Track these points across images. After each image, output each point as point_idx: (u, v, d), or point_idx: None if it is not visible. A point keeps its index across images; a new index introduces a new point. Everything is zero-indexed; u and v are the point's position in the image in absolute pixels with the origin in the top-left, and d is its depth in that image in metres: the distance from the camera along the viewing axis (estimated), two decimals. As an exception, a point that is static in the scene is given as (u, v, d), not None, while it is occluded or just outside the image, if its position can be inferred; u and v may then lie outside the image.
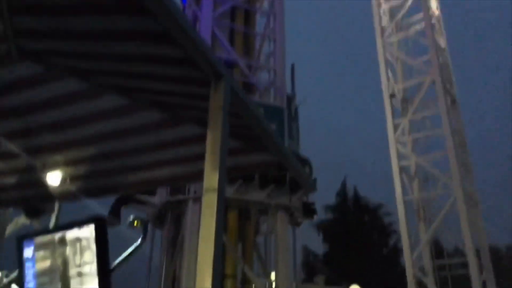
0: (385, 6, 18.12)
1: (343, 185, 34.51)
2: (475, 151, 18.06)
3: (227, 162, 2.10)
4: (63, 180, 3.43)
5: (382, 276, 27.41)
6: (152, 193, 10.83)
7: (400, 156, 16.00)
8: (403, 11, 17.60)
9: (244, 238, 11.05)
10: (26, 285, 2.74)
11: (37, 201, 4.19)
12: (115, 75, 2.53)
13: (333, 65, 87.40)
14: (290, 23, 15.01)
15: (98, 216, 2.53)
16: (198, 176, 2.20)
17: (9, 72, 2.48)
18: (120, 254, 2.68)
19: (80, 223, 2.51)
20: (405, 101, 16.61)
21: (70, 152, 3.29)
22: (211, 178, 2.00)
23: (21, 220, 9.18)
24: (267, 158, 3.12)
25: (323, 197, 30.30)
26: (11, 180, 3.57)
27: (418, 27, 17.09)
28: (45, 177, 3.43)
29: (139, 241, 2.77)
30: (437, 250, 15.66)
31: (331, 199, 33.76)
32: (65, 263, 2.55)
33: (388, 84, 16.99)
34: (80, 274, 2.48)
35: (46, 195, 3.62)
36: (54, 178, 3.43)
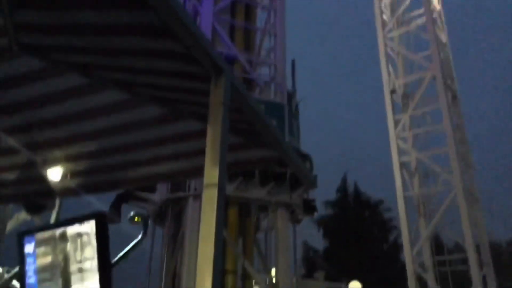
0: (386, 1, 18.06)
1: (344, 180, 34.58)
2: (475, 146, 18.06)
3: (228, 157, 2.10)
4: (64, 176, 3.43)
5: (382, 272, 27.49)
6: (152, 190, 10.84)
7: (400, 152, 16.00)
8: (404, 6, 17.54)
9: (244, 234, 11.06)
10: (27, 280, 2.74)
11: (38, 197, 4.19)
12: (115, 70, 2.52)
13: (333, 60, 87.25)
14: (291, 19, 14.98)
15: (98, 212, 2.53)
16: (199, 171, 2.19)
17: (9, 67, 2.47)
18: (120, 251, 2.68)
19: (81, 219, 2.52)
20: (406, 96, 16.58)
21: (70, 148, 3.28)
22: (211, 174, 2.00)
23: (22, 216, 9.19)
24: (267, 154, 3.12)
25: (324, 193, 30.36)
26: (11, 176, 3.57)
27: (419, 21, 17.04)
28: (46, 172, 3.43)
29: (139, 236, 2.77)
30: (437, 246, 15.70)
31: (332, 195, 33.84)
32: (66, 259, 2.55)
33: (389, 79, 16.96)
34: (81, 270, 2.48)
35: (47, 191, 3.62)
36: (54, 174, 3.43)
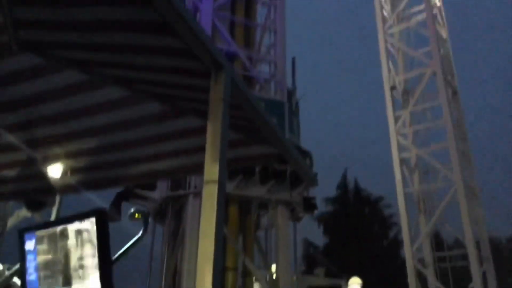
0: (386, -3, 18.02)
1: (344, 177, 34.58)
2: (476, 143, 18.06)
3: (228, 154, 2.10)
4: (64, 173, 3.43)
5: (382, 268, 27.54)
6: (153, 188, 10.84)
7: (400, 148, 15.99)
8: (404, 2, 17.49)
9: (244, 232, 11.07)
10: (27, 278, 2.75)
11: (38, 194, 4.19)
12: (115, 67, 2.51)
13: (333, 57, 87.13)
14: (291, 16, 14.95)
15: (99, 209, 2.54)
16: (199, 168, 2.19)
17: (9, 64, 2.47)
18: (121, 250, 2.69)
19: (81, 216, 2.52)
20: (406, 92, 16.56)
21: (70, 145, 3.28)
22: (211, 170, 2.00)
23: (22, 213, 9.18)
24: (267, 150, 3.12)
25: (324, 189, 30.38)
26: (11, 173, 3.57)
27: (419, 17, 17.00)
28: (46, 169, 3.43)
29: (140, 233, 2.78)
30: (437, 242, 15.72)
31: (332, 192, 33.86)
32: (67, 256, 2.56)
33: (389, 75, 16.93)
34: (81, 267, 2.49)
35: (47, 188, 3.63)
36: (54, 171, 3.43)
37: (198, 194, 9.83)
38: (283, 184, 10.66)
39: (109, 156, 3.36)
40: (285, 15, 13.32)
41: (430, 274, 14.63)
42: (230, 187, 9.79)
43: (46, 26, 2.18)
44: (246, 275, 10.61)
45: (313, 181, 7.51)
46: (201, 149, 2.10)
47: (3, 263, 8.43)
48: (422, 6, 17.04)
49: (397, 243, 29.55)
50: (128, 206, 10.27)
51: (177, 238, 10.59)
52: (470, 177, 15.45)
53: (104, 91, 2.68)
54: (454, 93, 16.58)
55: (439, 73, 15.62)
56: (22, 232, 2.81)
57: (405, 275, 14.85)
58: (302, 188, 11.09)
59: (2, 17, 2.08)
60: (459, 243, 15.32)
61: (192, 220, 9.80)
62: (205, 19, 11.57)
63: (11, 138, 3.15)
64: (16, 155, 3.36)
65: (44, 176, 3.46)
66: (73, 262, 2.52)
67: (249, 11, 13.02)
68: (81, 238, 2.50)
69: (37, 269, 2.70)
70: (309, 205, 11.58)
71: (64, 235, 2.57)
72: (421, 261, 14.82)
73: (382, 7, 17.84)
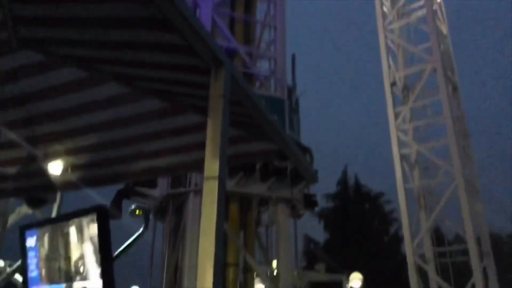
0: (386, -7, 17.96)
1: (344, 173, 34.59)
2: (476, 138, 18.05)
3: (228, 150, 2.10)
4: (64, 170, 3.43)
5: (383, 264, 27.58)
6: (153, 185, 10.86)
7: (401, 144, 16.00)
8: (404, -3, 17.46)
9: (245, 228, 11.09)
10: (29, 274, 2.76)
11: (39, 191, 4.19)
12: (115, 63, 2.51)
13: (333, 54, 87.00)
14: (291, 13, 14.91)
15: (100, 206, 2.54)
16: (199, 164, 2.19)
17: (9, 60, 2.47)
18: (121, 246, 2.69)
19: (82, 213, 2.52)
20: (406, 88, 16.54)
21: (71, 141, 3.28)
22: (211, 167, 2.00)
23: (23, 210, 9.20)
24: (267, 147, 3.11)
25: (324, 186, 30.40)
26: (12, 170, 3.57)
27: (419, 13, 16.96)
28: (47, 166, 3.44)
29: (141, 229, 2.78)
30: (438, 238, 15.74)
31: (332, 188, 33.87)
32: (68, 253, 2.56)
33: (389, 71, 16.91)
34: (82, 263, 2.49)
35: (48, 185, 3.63)
36: (55, 168, 3.43)
37: (198, 192, 9.85)
38: (283, 182, 10.66)
39: (109, 152, 3.36)
40: (285, 11, 13.30)
41: (430, 270, 14.66)
42: (230, 184, 9.79)
43: (46, 23, 2.18)
44: (247, 270, 10.64)
45: (313, 177, 7.52)
46: (202, 145, 2.10)
47: (4, 260, 8.46)
48: (422, 2, 17.00)
49: (398, 239, 29.59)
50: (128, 204, 10.27)
51: (178, 235, 10.62)
52: (470, 173, 15.45)
53: (104, 87, 2.68)
54: (454, 89, 16.56)
55: (439, 69, 15.60)
56: (23, 229, 2.81)
57: (405, 271, 14.88)
58: (303, 185, 11.10)
59: (2, 14, 2.08)
60: (459, 238, 15.34)
61: (193, 218, 9.82)
62: (205, 15, 11.55)
63: (11, 135, 3.15)
64: (16, 152, 3.36)
65: (44, 173, 3.47)
66: (74, 258, 2.52)
67: (249, 7, 13.00)
68: (82, 234, 2.50)
69: (38, 265, 2.70)
70: (309, 202, 11.59)
71: (65, 232, 2.58)
72: (422, 256, 14.85)
73: (382, 3, 17.79)
